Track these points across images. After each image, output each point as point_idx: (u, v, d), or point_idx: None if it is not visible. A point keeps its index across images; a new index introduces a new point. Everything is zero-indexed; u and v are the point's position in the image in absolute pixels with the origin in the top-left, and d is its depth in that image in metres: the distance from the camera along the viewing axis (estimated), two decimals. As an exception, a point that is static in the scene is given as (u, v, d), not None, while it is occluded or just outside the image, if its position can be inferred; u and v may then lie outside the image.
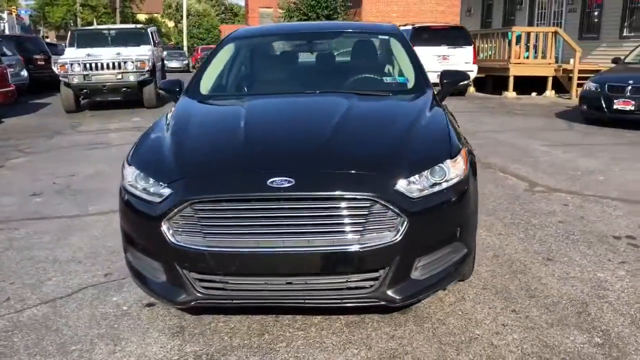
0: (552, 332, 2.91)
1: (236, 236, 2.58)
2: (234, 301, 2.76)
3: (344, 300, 2.70)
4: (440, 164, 2.77)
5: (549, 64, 16.12)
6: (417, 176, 2.69)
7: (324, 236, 2.54)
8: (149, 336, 2.97)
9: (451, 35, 16.05)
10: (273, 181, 2.58)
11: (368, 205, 2.55)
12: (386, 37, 4.51)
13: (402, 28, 16.22)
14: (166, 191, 2.71)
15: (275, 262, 2.59)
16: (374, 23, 5.72)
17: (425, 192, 2.67)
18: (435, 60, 15.15)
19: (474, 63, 15.99)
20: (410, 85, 3.90)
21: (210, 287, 2.71)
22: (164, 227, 2.65)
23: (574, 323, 2.99)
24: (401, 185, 2.63)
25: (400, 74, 4.17)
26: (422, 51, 14.77)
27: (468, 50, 15.97)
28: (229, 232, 2.60)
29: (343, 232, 2.55)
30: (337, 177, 2.65)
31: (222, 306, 2.96)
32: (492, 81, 17.11)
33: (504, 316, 3.08)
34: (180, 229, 2.64)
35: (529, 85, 16.07)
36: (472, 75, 15.60)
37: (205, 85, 4.06)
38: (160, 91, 4.43)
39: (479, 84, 17.20)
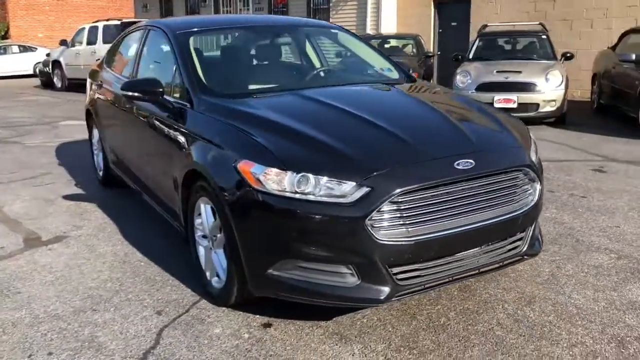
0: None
1: (435, 220, 2.69)
2: (426, 286, 2.71)
3: (504, 262, 2.94)
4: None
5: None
6: (533, 146, 3.10)
7: (500, 207, 2.88)
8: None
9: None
10: (459, 163, 2.70)
11: (522, 174, 2.87)
12: (335, 30, 4.59)
13: (106, 24, 15.40)
14: (362, 188, 2.53)
15: (467, 238, 2.77)
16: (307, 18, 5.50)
17: (536, 159, 3.12)
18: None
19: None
20: (396, 76, 4.11)
21: (408, 277, 2.68)
22: (368, 225, 2.47)
23: None
24: (530, 154, 3.02)
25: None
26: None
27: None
28: (429, 218, 2.68)
29: (512, 200, 2.90)
30: (500, 153, 2.90)
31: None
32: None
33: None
34: (380, 225, 2.51)
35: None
36: None
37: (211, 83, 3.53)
38: (129, 92, 3.53)
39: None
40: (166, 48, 4.11)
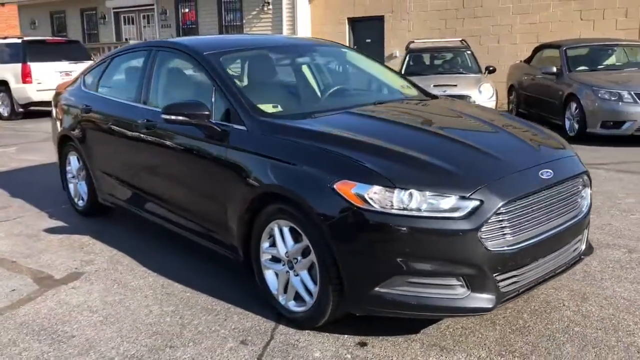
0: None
1: (529, 228, 2.86)
2: (520, 291, 2.88)
3: (570, 263, 3.18)
4: None
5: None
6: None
7: (570, 211, 3.12)
8: None
9: (69, 50, 14.95)
10: (542, 173, 2.93)
11: (581, 180, 3.16)
12: (345, 49, 4.68)
13: (2, 42, 14.33)
14: (471, 201, 2.65)
15: (550, 242, 2.96)
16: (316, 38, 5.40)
17: None
18: (59, 76, 13.99)
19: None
20: (415, 92, 4.27)
21: (507, 284, 2.82)
22: (480, 237, 2.61)
23: None
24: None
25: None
26: (40, 67, 13.50)
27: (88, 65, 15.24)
28: (524, 226, 2.84)
29: (576, 204, 3.16)
30: (566, 162, 3.15)
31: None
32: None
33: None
34: (487, 235, 2.67)
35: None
36: None
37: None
38: (171, 115, 3.33)
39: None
40: (190, 70, 3.99)
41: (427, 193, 2.64)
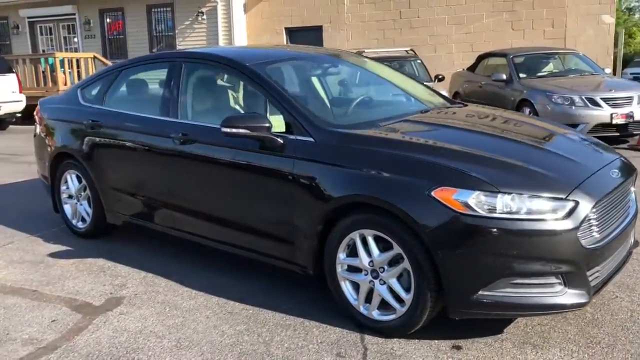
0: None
1: (609, 224, 3.04)
2: (600, 287, 3.04)
3: (627, 256, 3.40)
4: None
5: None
6: None
7: (631, 205, 3.36)
8: None
9: (-13, 62, 14.01)
10: (612, 173, 3.15)
11: (633, 180, 3.43)
12: (366, 59, 4.73)
13: None
14: (569, 202, 2.79)
15: (620, 238, 3.14)
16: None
17: None
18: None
19: (20, 92, 14.51)
20: (442, 99, 4.40)
21: (594, 278, 2.97)
22: (578, 236, 2.76)
23: None
24: None
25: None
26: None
27: (10, 78, 14.33)
28: (607, 223, 3.02)
29: (632, 199, 3.37)
30: (621, 163, 3.37)
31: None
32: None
33: None
34: (583, 234, 2.83)
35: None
36: (22, 105, 14.38)
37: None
38: (232, 129, 3.21)
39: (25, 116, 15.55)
40: (229, 81, 3.89)
41: (529, 196, 2.74)
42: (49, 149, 5.02)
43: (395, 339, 3.05)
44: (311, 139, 3.28)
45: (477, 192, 2.74)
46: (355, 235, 3.08)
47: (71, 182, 4.88)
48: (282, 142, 3.35)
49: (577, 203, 2.77)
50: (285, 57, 4.18)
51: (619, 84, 9.40)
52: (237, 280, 3.91)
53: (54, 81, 15.33)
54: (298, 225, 3.31)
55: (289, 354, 2.96)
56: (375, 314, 3.10)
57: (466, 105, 4.30)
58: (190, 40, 16.73)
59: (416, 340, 3.03)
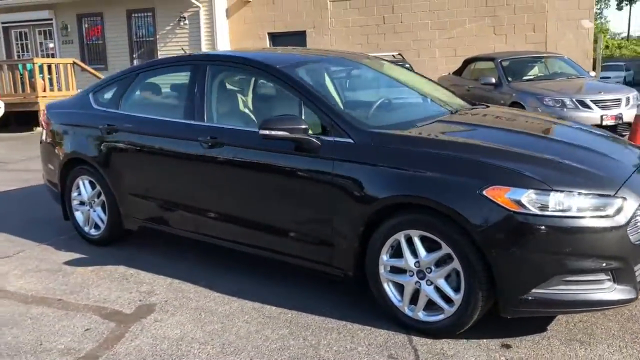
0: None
1: None
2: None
3: None
4: None
5: (72, 95, 15.85)
6: None
7: None
8: None
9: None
10: None
11: None
12: (384, 62, 4.75)
13: None
14: (618, 199, 2.83)
15: None
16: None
17: None
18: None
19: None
20: (462, 102, 4.44)
21: (638, 274, 2.99)
22: (627, 232, 2.82)
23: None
24: None
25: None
26: None
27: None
28: None
29: None
30: None
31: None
32: (14, 117, 15.42)
33: None
34: (631, 230, 2.86)
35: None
36: (0, 112, 14.14)
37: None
38: (271, 131, 3.20)
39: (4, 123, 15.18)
40: (257, 84, 3.86)
41: (580, 194, 2.78)
42: (58, 155, 4.90)
43: (443, 340, 3.05)
44: (350, 140, 3.27)
45: (530, 191, 2.77)
46: (400, 236, 3.08)
47: (83, 188, 4.77)
48: (319, 143, 3.33)
49: (624, 200, 2.82)
50: (310, 60, 4.16)
51: (607, 87, 9.63)
52: (267, 284, 3.87)
53: (33, 87, 14.98)
54: (338, 227, 3.29)
55: (340, 357, 2.93)
56: (422, 315, 3.10)
57: (488, 107, 4.34)
58: (172, 45, 16.56)
59: (464, 340, 3.04)
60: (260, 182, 3.62)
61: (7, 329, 3.39)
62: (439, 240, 2.96)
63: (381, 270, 3.19)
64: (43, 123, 5.19)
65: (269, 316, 3.42)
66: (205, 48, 16.10)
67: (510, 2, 13.72)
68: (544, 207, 2.75)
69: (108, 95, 4.69)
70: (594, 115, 8.61)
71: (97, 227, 4.78)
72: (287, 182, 3.49)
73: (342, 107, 3.73)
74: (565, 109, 8.74)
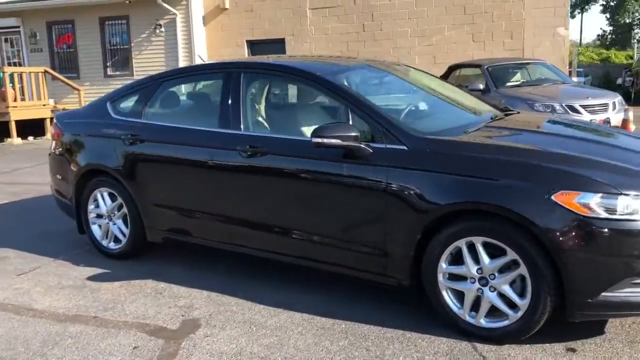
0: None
1: None
2: None
3: None
4: None
5: (44, 105, 15.46)
6: None
7: None
8: None
9: None
10: None
11: None
12: (411, 68, 4.77)
13: None
14: None
15: None
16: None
17: None
18: None
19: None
20: (492, 108, 4.46)
21: None
22: None
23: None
24: None
25: None
26: None
27: (-43, 94, 13.52)
28: None
29: None
30: None
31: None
32: (-17, 129, 14.89)
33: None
34: None
35: (27, 128, 14.93)
36: None
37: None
38: (324, 139, 3.14)
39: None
40: (295, 91, 3.81)
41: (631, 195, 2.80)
42: (72, 167, 4.73)
43: (507, 345, 3.05)
44: (404, 147, 3.25)
45: (599, 195, 2.79)
46: (462, 243, 3.07)
47: (102, 200, 4.61)
48: (370, 151, 3.30)
49: None
50: (349, 68, 4.11)
51: (593, 92, 9.88)
52: (309, 293, 3.81)
53: (3, 97, 14.51)
54: (391, 236, 3.26)
55: (409, 366, 2.90)
56: (484, 322, 3.09)
57: (518, 113, 4.39)
58: (147, 53, 16.27)
59: (527, 345, 3.04)
60: (307, 190, 3.56)
61: (47, 350, 3.24)
62: (504, 246, 2.95)
63: (439, 278, 3.17)
64: (53, 133, 5.01)
65: (322, 327, 3.35)
66: (182, 56, 15.87)
67: (489, 10, 13.98)
68: (612, 210, 2.77)
69: (128, 104, 4.55)
70: (583, 119, 8.81)
71: (116, 240, 4.62)
72: (336, 191, 3.44)
73: (406, 112, 3.71)
74: (555, 114, 8.92)
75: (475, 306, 3.12)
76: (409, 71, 4.66)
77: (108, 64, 16.90)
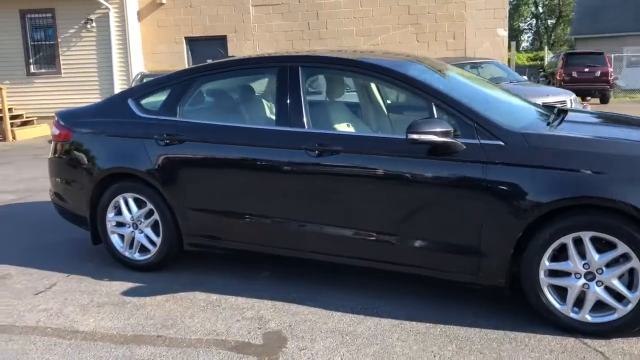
0: None
1: None
2: None
3: None
4: None
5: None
6: None
7: None
8: None
9: None
10: None
11: None
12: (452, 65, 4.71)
13: None
14: None
15: None
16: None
17: None
18: None
19: None
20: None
21: None
22: None
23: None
24: None
25: None
26: None
27: None
28: None
29: None
30: None
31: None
32: None
33: None
34: None
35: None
36: None
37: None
38: (421, 135, 2.95)
39: None
40: (363, 86, 3.64)
41: None
42: (87, 171, 4.26)
43: (617, 339, 3.04)
44: (500, 142, 3.18)
45: None
46: (568, 239, 3.03)
47: (125, 207, 4.19)
48: (464, 147, 3.20)
49: None
50: (413, 62, 3.96)
51: (550, 90, 10.33)
52: (382, 298, 3.65)
53: None
54: (489, 235, 3.18)
55: (535, 367, 2.83)
56: (589, 317, 3.08)
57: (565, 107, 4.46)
58: (77, 50, 15.22)
59: (634, 338, 3.05)
60: (388, 190, 3.40)
61: (126, 377, 2.87)
62: (615, 240, 2.95)
63: (541, 275, 3.12)
64: (57, 134, 4.49)
65: (419, 332, 3.21)
66: (116, 53, 14.99)
67: (432, 10, 14.31)
68: None
69: (157, 101, 4.17)
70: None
71: (143, 250, 4.22)
72: (424, 189, 3.31)
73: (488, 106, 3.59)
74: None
75: (578, 302, 3.10)
76: (455, 69, 4.58)
77: (31, 60, 15.65)
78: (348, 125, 3.74)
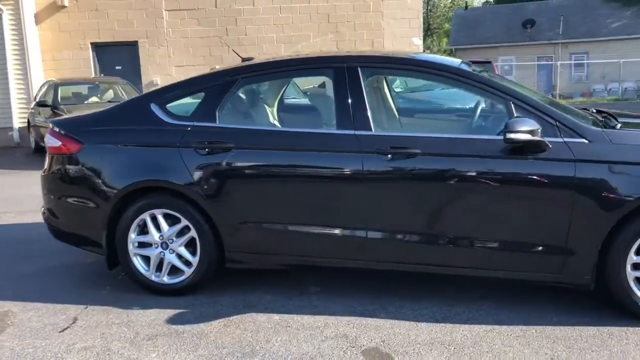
0: None
1: None
2: None
3: None
4: None
5: None
6: None
7: None
8: None
9: None
10: None
11: None
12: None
13: None
14: None
15: None
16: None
17: None
18: None
19: None
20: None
21: None
22: None
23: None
24: None
25: None
26: None
27: None
28: None
29: None
30: None
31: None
32: None
33: None
34: None
35: None
36: None
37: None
38: (518, 134, 2.85)
39: None
40: (439, 86, 3.54)
41: None
42: (103, 187, 3.77)
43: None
44: (584, 140, 3.22)
45: None
46: None
47: (152, 225, 3.74)
48: (550, 145, 3.22)
49: None
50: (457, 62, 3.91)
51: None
52: (456, 305, 3.55)
53: None
54: (576, 232, 3.21)
55: (651, 360, 2.88)
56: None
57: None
58: (-37, 55, 13.60)
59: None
60: (468, 191, 3.33)
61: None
62: None
63: (628, 269, 3.20)
64: (58, 146, 3.92)
65: (518, 336, 3.16)
66: (11, 58, 13.59)
67: (351, 19, 14.52)
68: None
69: (189, 106, 3.77)
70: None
71: (173, 272, 3.79)
72: (509, 189, 3.28)
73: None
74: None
75: (663, 291, 3.21)
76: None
77: None
78: (419, 126, 3.63)
